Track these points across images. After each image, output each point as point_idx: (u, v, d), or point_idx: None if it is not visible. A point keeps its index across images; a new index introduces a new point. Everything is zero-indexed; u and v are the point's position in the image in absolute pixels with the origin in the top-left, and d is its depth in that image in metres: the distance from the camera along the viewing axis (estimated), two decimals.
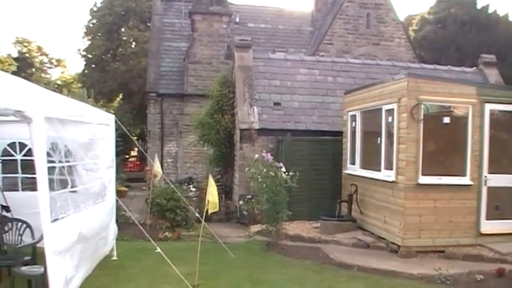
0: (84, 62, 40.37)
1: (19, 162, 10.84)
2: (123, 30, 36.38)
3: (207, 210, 9.22)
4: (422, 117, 10.62)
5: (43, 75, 49.87)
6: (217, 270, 9.74)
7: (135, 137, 34.18)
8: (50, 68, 54.68)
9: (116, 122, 10.22)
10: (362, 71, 17.86)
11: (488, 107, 11.03)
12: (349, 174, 13.64)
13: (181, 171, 24.06)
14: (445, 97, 10.82)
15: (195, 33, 24.35)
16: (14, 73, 38.59)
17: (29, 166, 9.38)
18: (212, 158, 18.50)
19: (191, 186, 17.15)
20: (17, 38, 51.17)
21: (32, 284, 7.21)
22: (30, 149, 7.33)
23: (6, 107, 5.49)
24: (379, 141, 11.92)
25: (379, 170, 11.82)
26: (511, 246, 10.52)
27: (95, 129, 8.70)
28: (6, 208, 9.93)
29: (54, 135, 6.64)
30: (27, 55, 50.51)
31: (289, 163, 12.71)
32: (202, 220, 9.80)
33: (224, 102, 17.60)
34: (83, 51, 39.58)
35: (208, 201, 9.09)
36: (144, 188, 18.76)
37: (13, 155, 10.89)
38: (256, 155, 12.56)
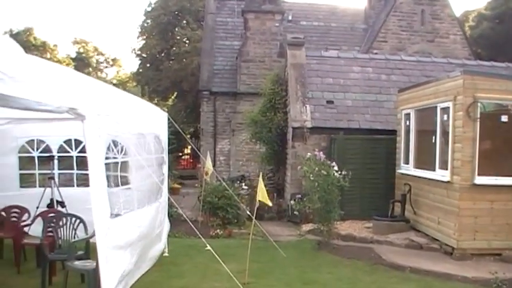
0: (139, 61, 41.07)
1: (75, 158, 11.15)
2: (176, 29, 36.77)
3: (257, 208, 9.27)
4: (478, 116, 10.32)
5: (99, 74, 51.03)
6: (268, 268, 9.76)
7: (189, 135, 34.60)
8: (106, 67, 55.98)
9: (168, 119, 10.35)
10: (416, 69, 17.51)
11: None
12: (403, 173, 13.41)
13: (233, 169, 24.13)
14: (503, 95, 10.45)
15: (247, 31, 24.38)
16: None
17: (84, 162, 9.58)
18: (264, 156, 18.48)
19: (243, 184, 17.20)
20: (75, 38, 52.71)
21: (85, 278, 7.38)
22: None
23: (60, 104, 5.60)
24: (433, 140, 11.66)
25: (434, 170, 11.57)
26: None
27: (150, 126, 8.83)
28: (61, 203, 10.20)
29: (112, 133, 6.75)
30: (84, 55, 51.84)
31: (341, 162, 12.59)
32: (253, 218, 9.81)
33: (277, 100, 17.55)
34: (138, 50, 40.25)
35: (258, 200, 9.19)
36: (196, 185, 18.94)
37: (69, 152, 11.19)
38: (309, 154, 12.47)
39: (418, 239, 11.77)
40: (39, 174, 11.47)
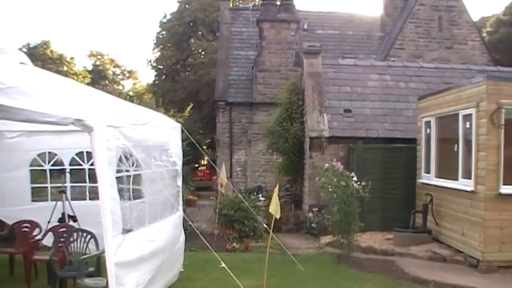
0: (155, 73, 41.14)
1: (87, 171, 10.97)
2: (192, 40, 36.75)
3: (274, 220, 9.01)
4: (503, 123, 9.95)
5: (116, 86, 51.26)
6: (286, 283, 9.47)
7: (205, 147, 34.45)
8: (122, 79, 56.26)
9: (182, 131, 10.10)
10: (435, 76, 17.16)
11: None
12: (424, 183, 13.03)
13: (250, 180, 23.89)
14: None
15: (263, 41, 24.21)
16: (88, 85, 39.89)
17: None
18: (281, 167, 18.22)
19: (260, 195, 16.92)
20: (91, 51, 53.01)
21: None
22: None
23: (64, 115, 5.38)
24: (455, 149, 11.29)
25: (456, 179, 11.21)
26: None
27: (162, 137, 8.60)
28: (73, 218, 10.02)
29: (121, 144, 6.53)
30: (100, 67, 52.15)
31: (360, 172, 12.27)
32: (270, 231, 9.53)
33: (293, 109, 17.31)
34: (154, 62, 40.33)
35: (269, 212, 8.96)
36: (211, 197, 18.71)
37: (81, 164, 11.02)
38: (326, 164, 12.20)
39: (441, 251, 11.39)
40: (52, 187, 11.38)
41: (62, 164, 11.24)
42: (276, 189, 9.27)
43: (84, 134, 6.30)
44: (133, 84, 56.94)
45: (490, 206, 9.99)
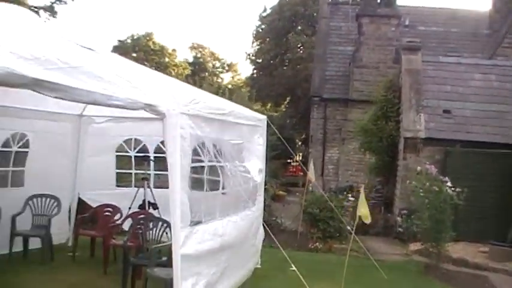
0: (253, 67, 41.26)
1: None
2: (291, 35, 36.51)
3: (357, 223, 8.54)
4: None
5: (215, 79, 52.01)
6: None
7: (300, 142, 34.12)
8: (221, 72, 57.07)
9: (268, 124, 9.75)
10: None
11: None
12: None
13: (342, 178, 23.30)
14: None
15: (361, 36, 23.49)
16: (187, 76, 40.79)
17: None
18: (373, 167, 17.63)
19: (349, 195, 16.38)
20: (192, 43, 54.18)
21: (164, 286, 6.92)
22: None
23: (136, 99, 5.18)
24: None
25: None
26: None
27: (243, 130, 8.34)
28: (154, 205, 10.00)
29: (199, 134, 6.31)
30: (201, 60, 53.15)
31: (456, 177, 11.42)
32: (353, 233, 9.07)
33: (389, 108, 16.62)
34: (252, 56, 40.46)
35: (359, 216, 8.43)
36: (297, 193, 18.35)
37: (165, 153, 10.98)
38: (419, 167, 11.55)
39: None
40: (136, 174, 11.56)
41: (146, 151, 11.34)
42: (362, 191, 8.79)
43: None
44: (232, 77, 57.59)
45: None
